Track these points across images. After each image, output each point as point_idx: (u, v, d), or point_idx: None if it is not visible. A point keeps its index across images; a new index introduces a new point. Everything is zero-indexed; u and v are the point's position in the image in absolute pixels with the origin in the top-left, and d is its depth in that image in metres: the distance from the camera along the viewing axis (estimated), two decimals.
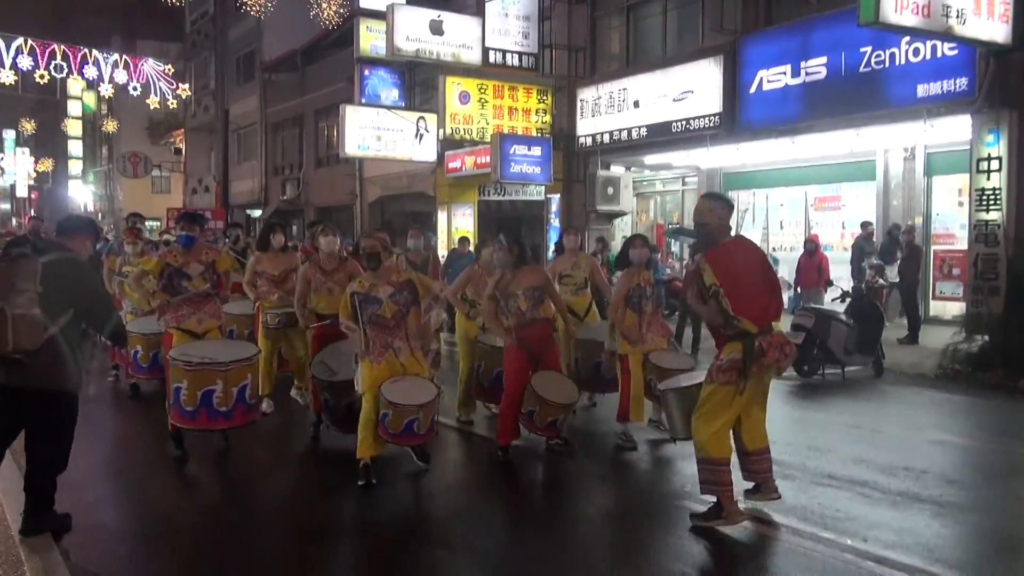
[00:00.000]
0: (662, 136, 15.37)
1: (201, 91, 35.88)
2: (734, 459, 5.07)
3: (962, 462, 6.68)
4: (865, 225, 13.76)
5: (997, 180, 10.69)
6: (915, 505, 5.37)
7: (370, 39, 20.58)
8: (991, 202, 10.73)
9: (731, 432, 5.04)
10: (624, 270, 7.03)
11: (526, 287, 6.49)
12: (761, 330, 4.78)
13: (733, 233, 5.12)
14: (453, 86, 16.97)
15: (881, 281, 11.91)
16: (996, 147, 10.72)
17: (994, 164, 10.71)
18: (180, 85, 34.63)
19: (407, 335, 5.85)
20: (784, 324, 6.31)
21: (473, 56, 16.74)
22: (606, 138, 16.59)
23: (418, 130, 20.19)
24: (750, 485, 5.19)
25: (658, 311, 7.15)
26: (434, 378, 6.10)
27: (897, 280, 12.57)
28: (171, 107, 35.86)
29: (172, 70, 34.51)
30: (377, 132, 19.92)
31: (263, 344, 7.75)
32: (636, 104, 15.92)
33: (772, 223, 16.87)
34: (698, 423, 4.95)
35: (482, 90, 17.16)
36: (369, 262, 5.89)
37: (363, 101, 20.39)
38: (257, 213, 32.04)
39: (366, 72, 20.90)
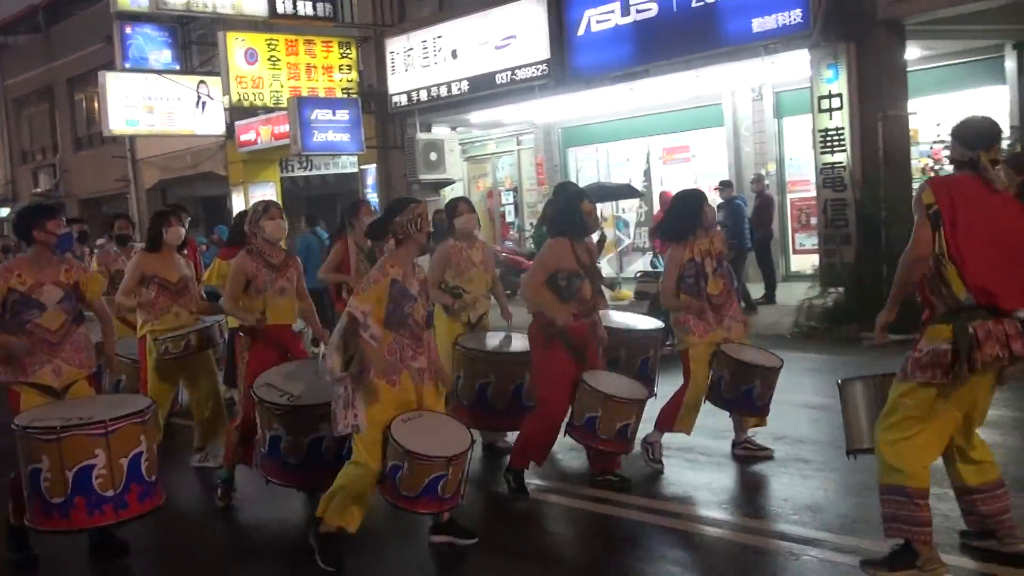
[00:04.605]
0: (486, 90, 16.00)
1: None
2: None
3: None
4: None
5: (839, 119, 11.87)
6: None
7: None
8: (835, 143, 11.92)
9: (947, 459, 4.38)
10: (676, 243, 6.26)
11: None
12: (989, 309, 3.98)
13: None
14: (236, 43, 16.98)
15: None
16: (836, 83, 11.89)
17: (835, 102, 11.89)
18: None
19: (428, 350, 5.11)
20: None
21: (257, 6, 16.74)
22: (423, 95, 17.06)
23: (199, 98, 20.03)
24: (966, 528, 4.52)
25: (731, 291, 6.41)
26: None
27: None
28: None
29: None
30: (148, 102, 19.67)
31: (152, 383, 6.83)
32: (454, 54, 16.45)
33: (618, 180, 17.85)
34: (884, 436, 4.25)
35: (272, 46, 17.25)
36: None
37: (127, 66, 19.84)
38: (4, 212, 30.74)
39: (128, 30, 20.28)
